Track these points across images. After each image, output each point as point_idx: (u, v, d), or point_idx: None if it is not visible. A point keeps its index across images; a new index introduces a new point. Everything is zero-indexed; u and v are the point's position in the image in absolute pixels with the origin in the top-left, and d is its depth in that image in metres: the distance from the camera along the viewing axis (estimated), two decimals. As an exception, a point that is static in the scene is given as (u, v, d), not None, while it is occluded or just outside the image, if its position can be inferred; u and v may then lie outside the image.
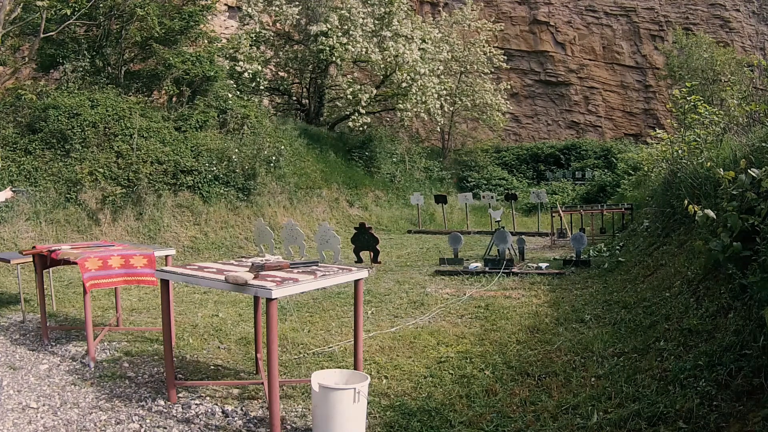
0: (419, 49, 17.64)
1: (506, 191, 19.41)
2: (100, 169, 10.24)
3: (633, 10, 27.28)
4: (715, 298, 4.01)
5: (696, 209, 3.42)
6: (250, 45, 16.11)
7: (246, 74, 15.35)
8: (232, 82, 14.59)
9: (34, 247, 5.35)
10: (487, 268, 8.30)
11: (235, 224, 11.54)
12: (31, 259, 5.67)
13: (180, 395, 3.87)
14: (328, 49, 16.05)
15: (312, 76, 19.22)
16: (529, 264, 9.00)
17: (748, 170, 3.35)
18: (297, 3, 17.25)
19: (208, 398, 3.85)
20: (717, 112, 7.87)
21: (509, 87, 23.57)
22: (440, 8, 26.59)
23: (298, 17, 17.16)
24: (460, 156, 24.15)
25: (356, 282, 3.74)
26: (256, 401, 3.81)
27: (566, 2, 27.46)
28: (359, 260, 9.47)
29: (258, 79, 16.09)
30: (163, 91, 12.90)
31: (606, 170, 21.36)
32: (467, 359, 4.53)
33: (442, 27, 21.91)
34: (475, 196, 19.05)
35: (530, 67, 27.70)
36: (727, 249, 3.09)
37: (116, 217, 10.04)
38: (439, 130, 23.29)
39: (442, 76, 19.99)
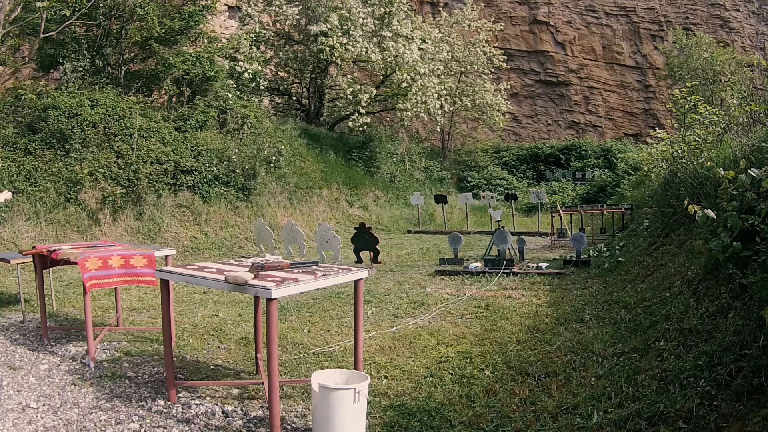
0: (419, 49, 17.64)
1: (506, 191, 19.41)
2: (100, 169, 10.24)
3: (633, 10, 27.28)
4: (715, 298, 4.01)
5: (696, 209, 3.41)
6: (250, 45, 16.10)
7: (246, 74, 15.34)
8: (232, 82, 14.58)
9: (34, 247, 5.35)
10: (487, 268, 8.30)
11: (235, 224, 11.54)
12: (31, 259, 5.67)
13: (180, 395, 3.87)
14: (328, 49, 16.06)
15: (312, 76, 19.22)
16: (529, 264, 9.00)
17: (748, 170, 3.34)
18: (297, 3, 17.25)
19: (208, 398, 3.84)
20: (717, 112, 7.85)
21: (509, 87, 23.58)
22: (440, 8, 26.59)
23: (298, 17, 17.17)
24: (460, 156, 24.16)
25: (356, 282, 3.75)
26: (256, 401, 3.81)
27: (566, 2, 27.46)
28: (359, 260, 9.47)
29: (258, 79, 16.08)
30: (163, 91, 12.90)
31: (606, 170, 21.36)
32: (467, 359, 4.53)
33: (442, 27, 21.91)
34: (475, 196, 19.05)
35: (530, 67, 27.71)
36: (727, 249, 3.09)
37: (116, 217, 10.05)
38: (439, 130, 23.30)
39: (442, 76, 20.00)
